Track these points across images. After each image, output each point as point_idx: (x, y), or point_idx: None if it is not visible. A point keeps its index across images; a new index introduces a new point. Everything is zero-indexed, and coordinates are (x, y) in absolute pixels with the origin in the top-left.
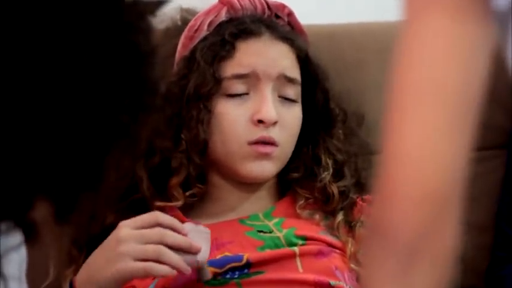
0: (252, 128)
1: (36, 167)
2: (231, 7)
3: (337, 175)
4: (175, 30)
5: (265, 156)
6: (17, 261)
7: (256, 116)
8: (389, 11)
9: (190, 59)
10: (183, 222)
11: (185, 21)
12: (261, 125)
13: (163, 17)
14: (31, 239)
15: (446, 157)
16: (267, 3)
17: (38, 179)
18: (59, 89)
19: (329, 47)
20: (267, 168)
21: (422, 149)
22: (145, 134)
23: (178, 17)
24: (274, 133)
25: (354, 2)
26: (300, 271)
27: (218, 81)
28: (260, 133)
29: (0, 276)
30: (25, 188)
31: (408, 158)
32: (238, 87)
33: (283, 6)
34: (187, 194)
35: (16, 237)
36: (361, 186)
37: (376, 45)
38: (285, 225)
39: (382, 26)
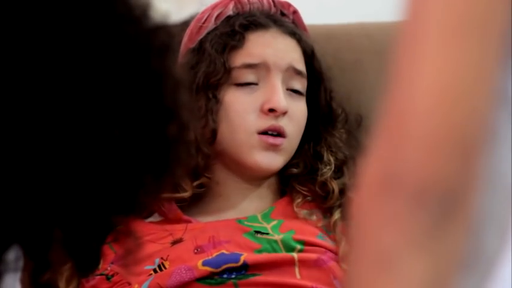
0: (261, 117)
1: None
2: (239, 1)
3: (338, 172)
4: None
5: (274, 147)
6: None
7: (267, 105)
8: (386, 11)
9: (199, 50)
10: (180, 219)
11: None
12: (271, 114)
13: None
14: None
15: (471, 87)
16: (273, 1)
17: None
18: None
19: (326, 47)
20: (274, 160)
21: (441, 76)
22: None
23: None
24: (283, 123)
25: (352, 3)
26: (297, 278)
27: (228, 70)
28: (270, 122)
29: None
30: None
31: (423, 85)
32: (248, 76)
33: (289, 5)
34: (194, 184)
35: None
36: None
37: (373, 46)
38: (282, 229)
39: (380, 26)
